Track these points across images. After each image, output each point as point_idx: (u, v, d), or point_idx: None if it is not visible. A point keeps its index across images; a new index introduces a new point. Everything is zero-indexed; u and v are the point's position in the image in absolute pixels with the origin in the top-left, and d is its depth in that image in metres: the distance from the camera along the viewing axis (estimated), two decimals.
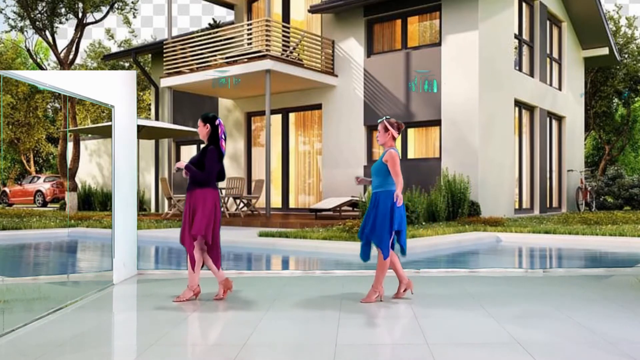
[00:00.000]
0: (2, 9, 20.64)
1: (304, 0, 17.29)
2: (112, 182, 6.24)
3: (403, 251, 5.32)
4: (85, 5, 19.53)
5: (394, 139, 5.28)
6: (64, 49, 20.90)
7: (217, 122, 5.28)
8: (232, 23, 18.94)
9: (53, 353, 3.73)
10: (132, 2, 21.85)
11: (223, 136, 5.29)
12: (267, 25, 14.46)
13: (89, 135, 25.62)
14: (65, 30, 31.35)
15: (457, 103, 14.17)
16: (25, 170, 35.35)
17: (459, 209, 13.30)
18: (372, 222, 5.12)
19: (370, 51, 15.86)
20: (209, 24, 17.63)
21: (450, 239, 9.79)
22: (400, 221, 5.12)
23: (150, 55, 24.85)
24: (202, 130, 5.29)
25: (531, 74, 17.02)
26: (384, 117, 5.38)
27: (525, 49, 16.91)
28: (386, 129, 5.27)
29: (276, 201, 17.32)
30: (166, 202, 18.35)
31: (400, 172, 5.12)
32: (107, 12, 21.31)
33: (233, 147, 18.29)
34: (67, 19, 20.45)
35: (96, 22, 21.40)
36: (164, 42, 16.77)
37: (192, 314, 4.74)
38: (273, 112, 16.64)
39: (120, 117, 6.25)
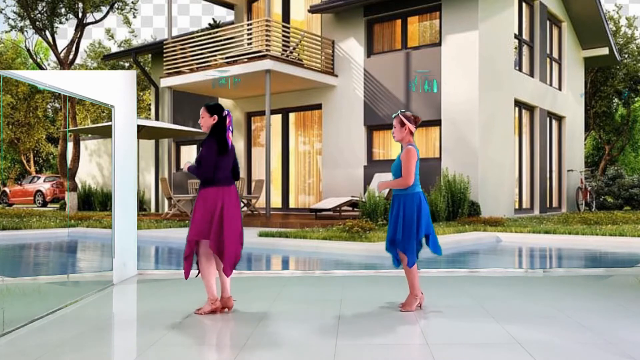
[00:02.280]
0: (2, 9, 20.65)
1: (304, 0, 17.29)
2: (112, 182, 6.24)
3: (437, 251, 4.86)
4: (85, 5, 19.53)
5: (412, 134, 4.79)
6: (64, 49, 20.91)
7: (225, 112, 4.81)
8: (232, 23, 18.94)
9: (53, 353, 3.73)
10: (132, 2, 21.86)
11: (230, 127, 4.80)
12: (267, 25, 14.46)
13: (89, 135, 25.62)
14: (65, 30, 31.38)
15: (457, 103, 14.17)
16: (25, 170, 35.35)
17: (459, 209, 13.30)
18: (396, 229, 4.70)
19: (370, 51, 15.86)
20: (209, 24, 17.62)
21: (450, 239, 9.77)
22: (427, 225, 4.74)
23: (150, 55, 24.85)
24: (207, 121, 4.76)
25: (531, 74, 17.01)
26: (399, 111, 4.86)
27: (525, 49, 16.91)
28: (402, 124, 4.78)
29: (276, 201, 17.31)
30: (166, 202, 18.35)
31: (411, 171, 4.64)
32: (107, 12, 21.32)
33: None
34: (67, 19, 20.47)
35: (96, 22, 21.41)
36: (164, 42, 16.77)
37: (191, 314, 4.73)
38: (273, 112, 16.63)
39: (120, 117, 6.25)
